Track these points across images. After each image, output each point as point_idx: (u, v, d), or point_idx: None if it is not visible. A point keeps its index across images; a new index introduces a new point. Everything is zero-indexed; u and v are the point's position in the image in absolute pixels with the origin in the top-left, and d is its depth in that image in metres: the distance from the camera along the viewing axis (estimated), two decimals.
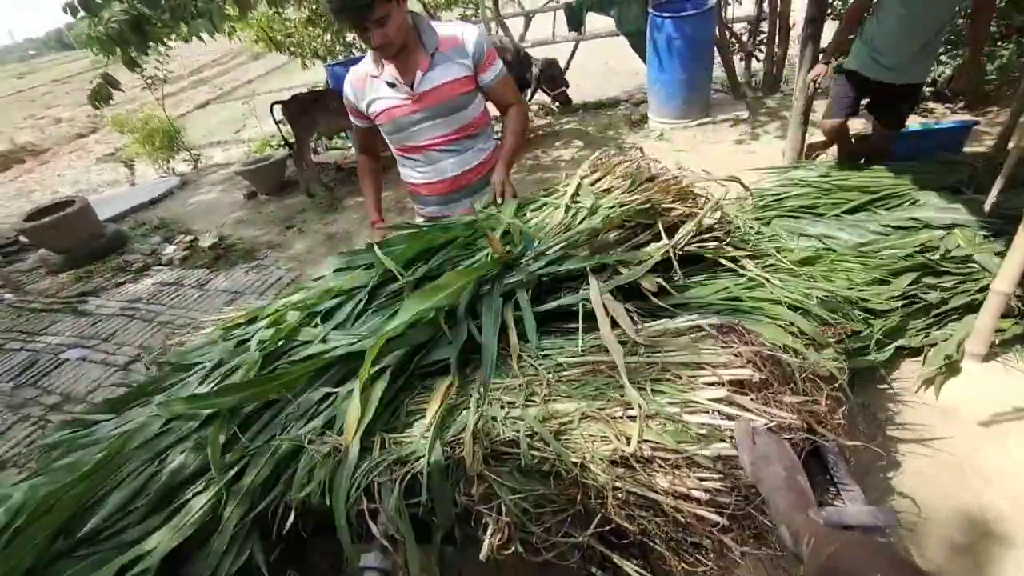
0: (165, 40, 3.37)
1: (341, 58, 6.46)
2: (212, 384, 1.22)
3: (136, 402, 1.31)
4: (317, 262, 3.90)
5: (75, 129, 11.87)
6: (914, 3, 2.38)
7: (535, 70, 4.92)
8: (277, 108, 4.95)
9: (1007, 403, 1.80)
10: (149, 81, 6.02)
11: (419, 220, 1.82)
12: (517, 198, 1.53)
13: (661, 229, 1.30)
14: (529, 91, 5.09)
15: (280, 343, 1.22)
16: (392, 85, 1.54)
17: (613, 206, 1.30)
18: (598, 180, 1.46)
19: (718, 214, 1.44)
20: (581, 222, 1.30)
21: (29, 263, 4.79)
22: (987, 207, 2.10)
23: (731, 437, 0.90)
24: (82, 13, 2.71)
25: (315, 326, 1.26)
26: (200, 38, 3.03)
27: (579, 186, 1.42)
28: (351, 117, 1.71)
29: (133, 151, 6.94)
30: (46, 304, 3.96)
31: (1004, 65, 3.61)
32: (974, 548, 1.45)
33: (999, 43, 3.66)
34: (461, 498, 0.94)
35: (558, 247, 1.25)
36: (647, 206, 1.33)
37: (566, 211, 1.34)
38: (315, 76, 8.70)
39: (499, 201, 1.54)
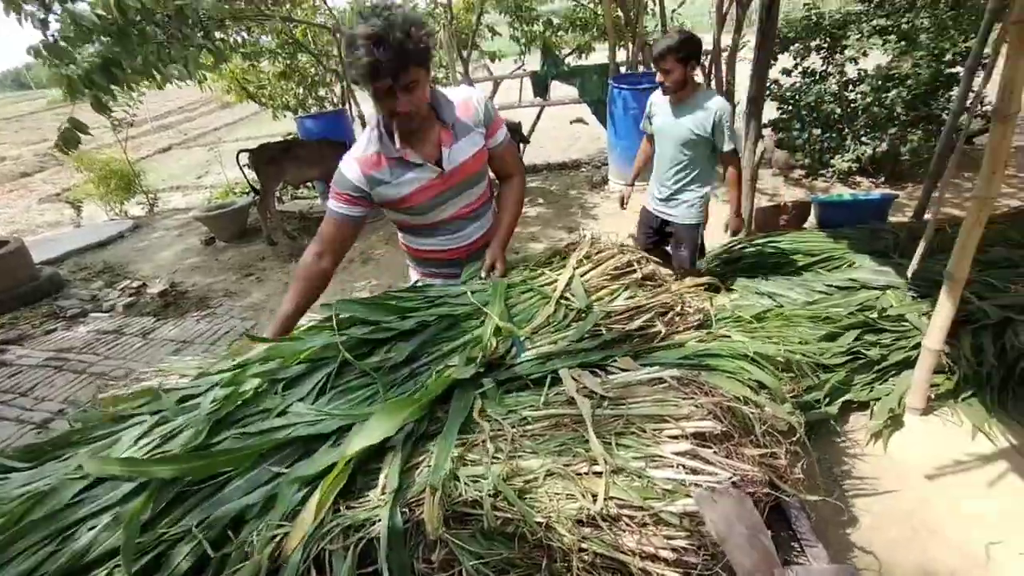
0: (136, 85, 3.34)
1: (313, 111, 6.60)
2: (149, 445, 1.10)
3: (56, 453, 1.16)
4: (275, 310, 3.76)
5: (20, 168, 11.35)
6: (660, 141, 2.58)
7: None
8: (244, 155, 4.93)
9: (947, 456, 1.89)
10: (116, 123, 5.92)
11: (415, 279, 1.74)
12: (506, 277, 1.46)
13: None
14: None
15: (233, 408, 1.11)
16: (419, 165, 1.40)
17: (603, 314, 1.28)
18: (587, 272, 1.45)
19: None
20: (568, 324, 1.27)
21: None
22: (910, 272, 2.29)
23: (696, 492, 0.89)
24: (47, 55, 2.67)
25: (275, 393, 1.16)
26: (176, 84, 3.03)
27: (571, 279, 1.38)
28: (340, 205, 1.43)
29: (84, 192, 6.67)
30: None
31: (914, 148, 4.10)
32: None
33: (910, 128, 4.18)
34: (420, 565, 0.88)
35: (545, 347, 1.21)
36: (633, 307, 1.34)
37: (555, 306, 1.30)
38: (285, 127, 8.80)
39: (488, 276, 1.47)
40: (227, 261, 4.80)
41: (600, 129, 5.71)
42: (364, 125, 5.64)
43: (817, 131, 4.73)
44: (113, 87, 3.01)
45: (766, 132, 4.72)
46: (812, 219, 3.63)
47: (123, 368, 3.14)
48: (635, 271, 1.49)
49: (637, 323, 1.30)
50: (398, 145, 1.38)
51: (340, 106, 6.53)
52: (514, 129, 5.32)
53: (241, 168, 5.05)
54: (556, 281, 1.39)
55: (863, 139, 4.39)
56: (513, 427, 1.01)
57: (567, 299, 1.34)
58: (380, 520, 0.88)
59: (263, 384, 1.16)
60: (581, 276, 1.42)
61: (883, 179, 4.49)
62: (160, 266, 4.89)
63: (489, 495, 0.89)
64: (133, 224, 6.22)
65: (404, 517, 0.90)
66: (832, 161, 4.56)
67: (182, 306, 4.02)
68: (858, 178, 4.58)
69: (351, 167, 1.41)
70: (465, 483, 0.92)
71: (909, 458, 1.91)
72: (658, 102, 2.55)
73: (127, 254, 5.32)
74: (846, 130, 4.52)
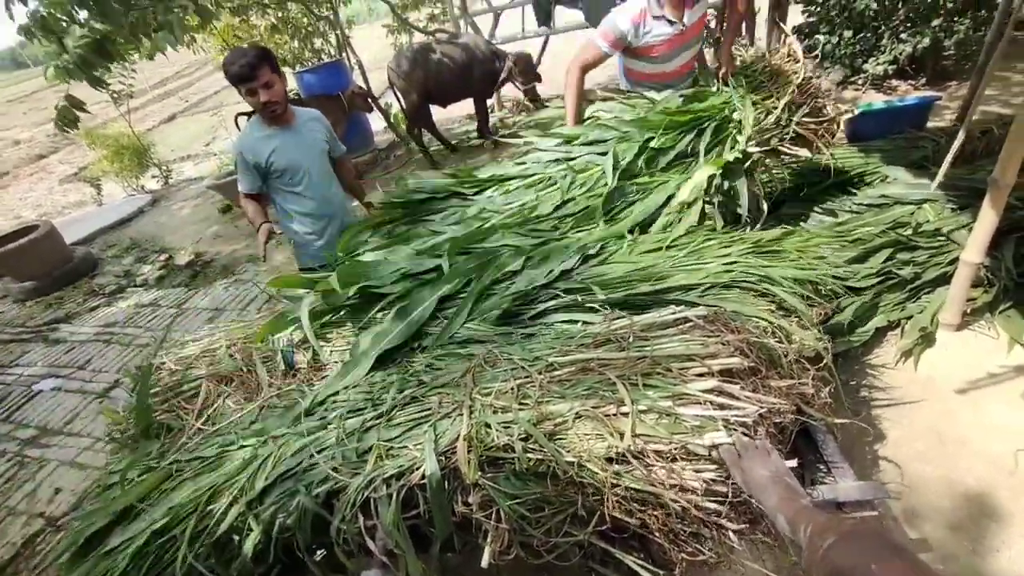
0: (127, 56, 3.25)
1: (311, 64, 6.35)
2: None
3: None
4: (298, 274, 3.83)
5: (35, 150, 11.45)
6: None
7: (508, 63, 4.88)
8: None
9: (980, 369, 1.86)
10: (115, 96, 5.84)
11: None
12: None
13: None
14: (497, 85, 5.03)
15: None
16: (671, 22, 2.15)
17: None
18: None
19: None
20: None
21: None
22: (936, 182, 2.15)
23: (725, 426, 0.91)
24: (38, 33, 2.60)
25: None
26: (163, 52, 2.93)
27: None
28: (604, 44, 2.25)
29: (100, 169, 6.73)
30: (14, 335, 3.82)
31: (962, 40, 3.71)
32: (955, 510, 1.50)
33: (956, 18, 3.76)
34: (459, 507, 0.94)
35: None
36: None
37: None
38: (288, 85, 8.51)
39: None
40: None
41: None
42: (363, 72, 5.42)
43: (848, 33, 4.31)
44: (106, 62, 2.93)
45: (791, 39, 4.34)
46: (841, 134, 3.39)
47: (164, 345, 3.30)
48: None
49: None
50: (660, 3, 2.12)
51: (337, 56, 6.26)
52: (527, 61, 5.01)
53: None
54: None
55: (902, 36, 3.99)
56: (540, 373, 1.03)
57: None
58: (419, 468, 0.94)
59: None
60: None
61: (923, 80, 4.12)
62: (183, 237, 4.99)
63: (520, 439, 0.93)
64: (151, 198, 6.30)
65: (441, 464, 0.95)
66: (865, 66, 4.19)
67: (209, 275, 4.13)
68: (894, 82, 4.22)
69: (624, 19, 2.17)
70: (497, 429, 0.96)
71: (939, 374, 1.89)
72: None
73: (150, 228, 5.43)
74: (882, 28, 4.11)
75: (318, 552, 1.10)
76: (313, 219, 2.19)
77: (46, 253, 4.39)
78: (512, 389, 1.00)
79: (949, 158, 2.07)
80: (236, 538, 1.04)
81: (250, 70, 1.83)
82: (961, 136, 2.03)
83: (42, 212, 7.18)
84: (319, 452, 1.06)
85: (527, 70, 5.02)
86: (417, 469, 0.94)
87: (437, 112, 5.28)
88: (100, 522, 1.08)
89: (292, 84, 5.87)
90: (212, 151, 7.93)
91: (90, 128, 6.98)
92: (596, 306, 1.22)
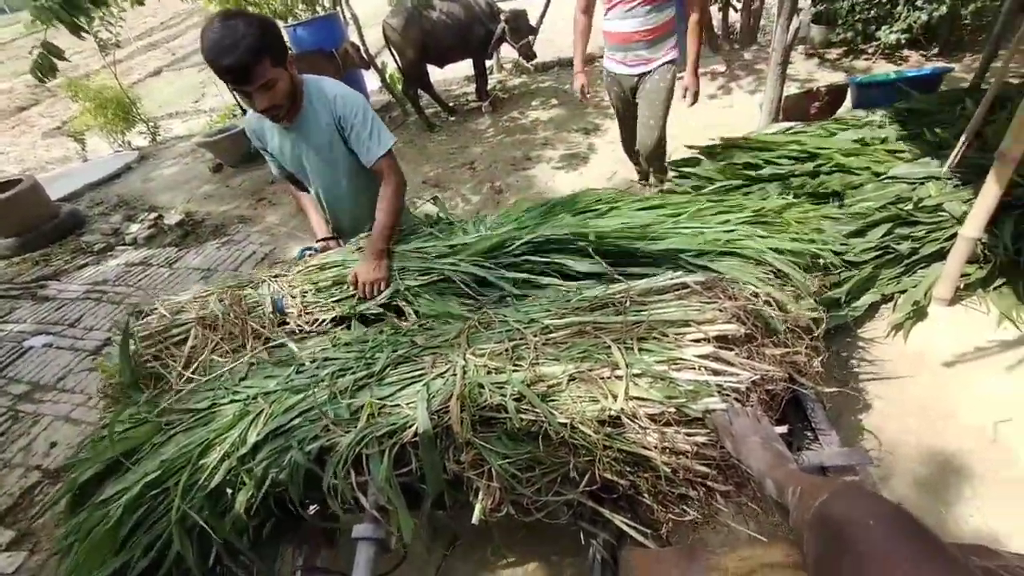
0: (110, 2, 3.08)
1: (304, 18, 6.07)
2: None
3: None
4: (291, 234, 3.77)
5: (15, 101, 11.01)
6: None
7: (500, 23, 4.67)
8: None
9: (969, 343, 1.88)
10: (101, 44, 5.57)
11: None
12: None
13: None
14: (491, 45, 4.83)
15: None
16: None
17: None
18: None
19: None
20: None
21: None
22: (948, 165, 2.12)
23: (718, 392, 0.91)
24: None
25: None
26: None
27: None
28: None
29: (83, 123, 6.49)
30: (2, 291, 3.77)
31: (979, 9, 3.59)
32: (932, 476, 1.55)
33: None
34: (451, 465, 0.95)
35: None
36: None
37: None
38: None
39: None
40: (238, 187, 4.75)
41: None
42: (358, 28, 5.19)
43: None
44: (88, 6, 2.78)
45: (803, 3, 4.20)
46: (848, 105, 3.32)
47: (157, 298, 3.27)
48: None
49: None
50: None
51: (332, 9, 5.98)
52: (519, 16, 4.80)
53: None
54: None
55: (918, 2, 3.86)
56: (535, 336, 1.03)
57: None
58: (412, 426, 0.94)
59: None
60: None
61: (936, 51, 4.01)
62: (173, 196, 4.88)
63: (513, 399, 0.93)
64: (139, 155, 6.11)
65: (434, 422, 0.95)
66: (878, 34, 4.06)
67: (200, 235, 4.06)
68: (907, 52, 4.10)
69: None
70: (490, 389, 0.96)
71: (929, 347, 1.91)
72: None
73: (139, 186, 5.30)
74: None
75: (311, 507, 1.12)
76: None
77: (30, 209, 4.28)
78: (506, 350, 1.00)
79: (963, 140, 2.03)
80: (229, 491, 1.05)
81: (243, 72, 1.26)
82: (978, 115, 1.99)
83: (25, 167, 6.97)
84: (310, 410, 1.06)
85: (519, 26, 4.79)
86: (409, 427, 0.94)
87: (435, 73, 5.10)
88: (92, 471, 1.09)
89: (284, 38, 5.62)
90: (201, 108, 7.67)
91: (72, 79, 6.68)
92: (591, 257, 1.20)
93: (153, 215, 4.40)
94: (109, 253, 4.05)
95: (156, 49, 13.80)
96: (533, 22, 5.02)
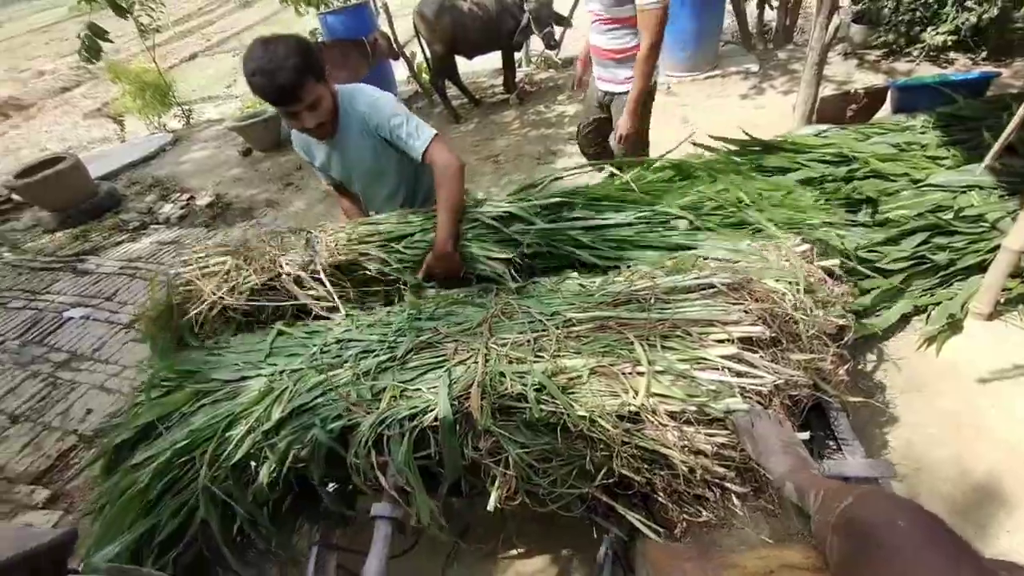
0: None
1: (337, 5, 6.13)
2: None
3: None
4: (316, 220, 3.84)
5: (59, 82, 11.42)
6: None
7: (526, 15, 4.61)
8: None
9: (1007, 360, 1.81)
10: (143, 28, 5.73)
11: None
12: None
13: None
14: (516, 37, 4.76)
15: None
16: None
17: None
18: None
19: None
20: None
21: (24, 222, 4.72)
22: (982, 167, 2.03)
23: (741, 394, 0.90)
24: None
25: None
26: None
27: None
28: None
29: (123, 105, 6.70)
30: (45, 263, 3.93)
31: None
32: (963, 495, 1.50)
33: None
34: (469, 451, 0.96)
35: None
36: None
37: None
38: (310, 26, 8.30)
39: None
40: (266, 172, 4.86)
41: None
42: (389, 17, 5.23)
43: None
44: None
45: (844, 2, 4.06)
46: (887, 109, 3.21)
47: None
48: None
49: None
50: None
51: None
52: (543, 5, 4.71)
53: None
54: None
55: (967, 3, 3.69)
56: (557, 328, 1.03)
57: None
58: (432, 411, 0.96)
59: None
60: None
61: (984, 55, 3.84)
62: (204, 178, 5.01)
63: (534, 390, 0.93)
64: (173, 138, 6.29)
65: (454, 408, 0.96)
66: (923, 36, 3.91)
67: (229, 217, 4.17)
68: (952, 55, 3.94)
69: None
70: (511, 378, 0.97)
71: (963, 362, 1.85)
72: None
73: (172, 168, 5.46)
74: None
75: (330, 485, 1.15)
76: None
77: (72, 185, 4.45)
78: (528, 341, 1.00)
79: (1002, 140, 1.95)
80: (253, 464, 1.08)
81: (291, 92, 1.29)
82: (1018, 117, 1.90)
83: (67, 146, 7.23)
84: (333, 389, 1.08)
85: (541, 16, 4.72)
86: (430, 411, 0.95)
87: (462, 64, 5.10)
88: (125, 435, 1.13)
89: (315, 24, 5.69)
90: (233, 93, 7.84)
91: (113, 62, 6.89)
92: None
93: (185, 196, 4.53)
94: (143, 231, 4.19)
95: (192, 35, 14.14)
96: (566, 14, 4.97)
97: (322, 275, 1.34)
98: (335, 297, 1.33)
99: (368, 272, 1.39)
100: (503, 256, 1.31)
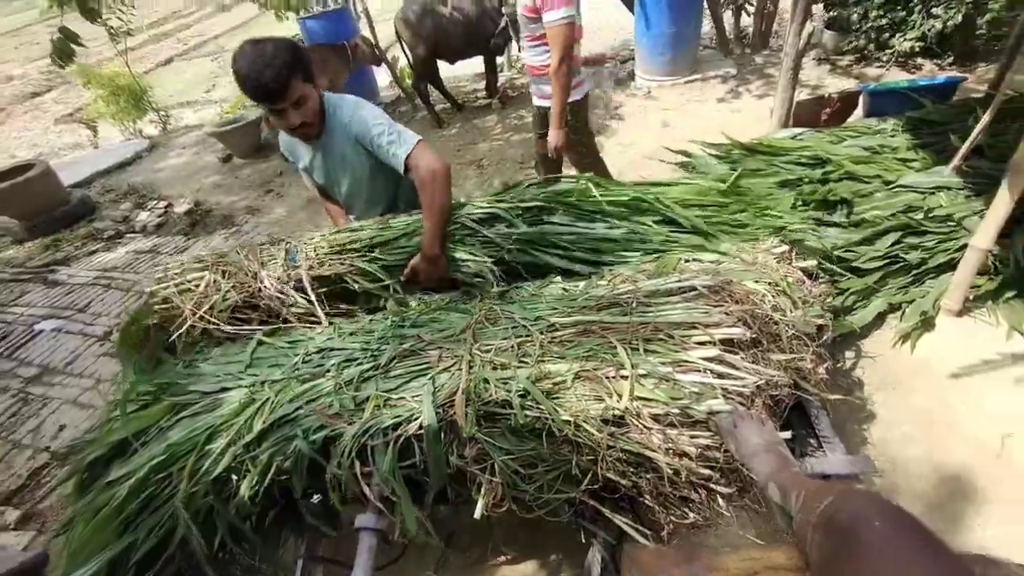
0: None
1: (317, 10, 6.08)
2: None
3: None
4: (298, 226, 3.79)
5: (29, 87, 11.09)
6: None
7: (504, 19, 4.61)
8: None
9: (976, 355, 1.87)
10: (112, 31, 5.61)
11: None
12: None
13: None
14: (493, 39, 4.73)
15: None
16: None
17: None
18: None
19: None
20: None
21: None
22: (950, 168, 2.11)
23: (723, 395, 0.91)
24: None
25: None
26: None
27: None
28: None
29: (95, 111, 6.53)
30: (14, 274, 3.80)
31: (995, 19, 3.56)
32: (936, 489, 1.54)
33: None
34: (454, 459, 0.95)
35: None
36: None
37: None
38: (290, 30, 8.21)
39: None
40: (246, 178, 4.78)
41: (625, 19, 5.13)
42: (370, 22, 5.20)
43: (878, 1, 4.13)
44: None
45: (816, 9, 4.17)
46: (859, 112, 3.30)
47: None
48: None
49: None
50: None
51: (343, 3, 5.98)
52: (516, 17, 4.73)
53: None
54: None
55: (933, 11, 3.83)
56: (541, 333, 1.03)
57: None
58: (417, 419, 0.95)
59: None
60: None
61: (950, 60, 3.98)
62: (182, 185, 4.91)
63: (518, 396, 0.93)
64: (149, 144, 6.15)
65: (439, 416, 0.96)
66: (892, 41, 4.04)
67: (209, 225, 4.09)
68: (919, 60, 4.07)
69: None
70: (495, 385, 0.96)
71: (936, 359, 1.90)
72: None
73: (149, 175, 5.34)
74: (914, 1, 3.94)
75: (314, 496, 1.13)
76: None
77: (43, 193, 4.32)
78: (512, 347, 1.00)
79: (969, 142, 2.03)
80: (234, 478, 1.06)
81: (277, 89, 1.33)
82: (984, 121, 1.98)
83: (38, 152, 7.02)
84: (315, 400, 1.06)
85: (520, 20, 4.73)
86: (414, 420, 0.95)
87: (444, 69, 5.10)
88: (99, 452, 1.10)
89: (296, 29, 5.64)
90: (212, 98, 7.71)
91: (85, 66, 6.72)
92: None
93: (163, 204, 4.43)
94: (118, 240, 4.08)
95: (168, 38, 13.87)
96: None
97: (307, 287, 1.32)
98: (319, 310, 1.31)
99: (350, 286, 1.38)
100: (486, 260, 1.32)
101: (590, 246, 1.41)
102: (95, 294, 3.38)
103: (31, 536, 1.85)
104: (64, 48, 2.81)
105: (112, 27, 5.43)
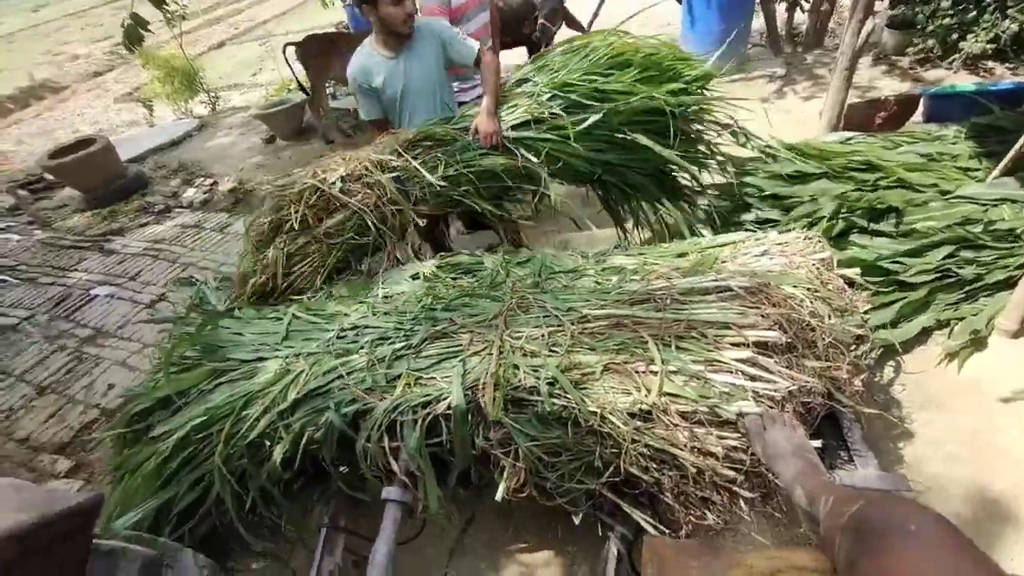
0: None
1: None
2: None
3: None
4: None
5: (92, 67, 11.70)
6: None
7: (540, 14, 4.52)
8: (291, 50, 4.79)
9: None
10: (169, 17, 5.86)
11: None
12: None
13: None
14: (536, 29, 4.65)
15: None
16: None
17: None
18: None
19: None
20: None
21: (55, 201, 4.86)
22: (992, 175, 1.98)
23: (754, 398, 0.89)
24: None
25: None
26: None
27: None
28: None
29: (152, 91, 6.84)
30: (74, 241, 4.05)
31: None
32: (975, 513, 1.47)
33: None
34: (480, 441, 0.97)
35: None
36: None
37: None
38: (335, 16, 8.36)
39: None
40: (288, 159, 4.92)
41: (671, 14, 4.98)
42: (415, 7, 5.23)
43: (947, 3, 3.89)
44: None
45: (879, 6, 3.96)
46: (918, 117, 3.13)
47: (207, 260, 3.45)
48: None
49: None
50: None
51: None
52: (551, 6, 4.62)
53: (288, 63, 4.93)
54: None
55: (1009, 9, 3.58)
56: (573, 324, 1.03)
57: None
58: (446, 399, 0.97)
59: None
60: None
61: None
62: (227, 164, 5.09)
63: (547, 383, 0.94)
64: (199, 123, 6.41)
65: (467, 398, 0.98)
66: (961, 43, 3.79)
67: (251, 203, 4.23)
68: (990, 64, 3.82)
69: None
70: (525, 371, 0.98)
71: (987, 379, 1.80)
72: None
73: (197, 153, 5.56)
74: (987, 0, 3.69)
75: (341, 467, 1.17)
76: None
77: (103, 167, 4.57)
78: (543, 336, 1.01)
79: (1013, 152, 1.90)
80: (267, 444, 1.11)
81: None
82: None
83: (98, 128, 7.42)
84: (348, 375, 1.10)
85: (553, 11, 4.62)
86: (443, 400, 0.97)
87: None
88: (145, 404, 1.17)
89: (342, 17, 5.73)
90: (258, 82, 7.95)
91: (145, 49, 7.03)
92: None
93: (209, 181, 4.62)
94: (167, 214, 4.28)
95: (220, 23, 14.35)
96: (585, 21, 4.89)
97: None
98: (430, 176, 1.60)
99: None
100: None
101: None
102: (144, 264, 3.57)
103: (80, 485, 1.99)
104: (134, 33, 2.95)
105: (170, 11, 5.66)
